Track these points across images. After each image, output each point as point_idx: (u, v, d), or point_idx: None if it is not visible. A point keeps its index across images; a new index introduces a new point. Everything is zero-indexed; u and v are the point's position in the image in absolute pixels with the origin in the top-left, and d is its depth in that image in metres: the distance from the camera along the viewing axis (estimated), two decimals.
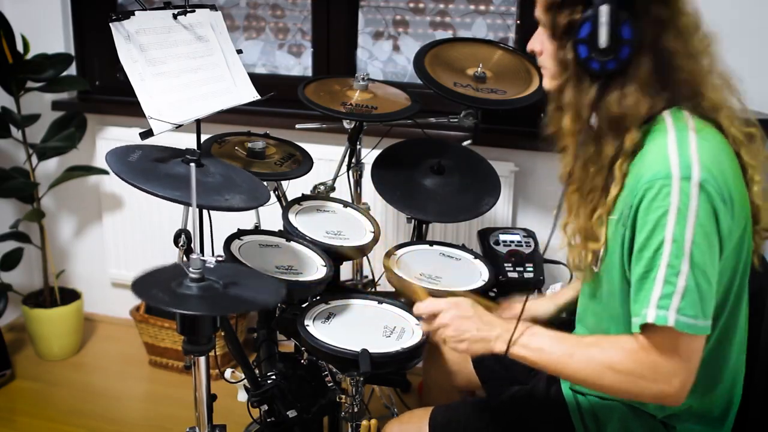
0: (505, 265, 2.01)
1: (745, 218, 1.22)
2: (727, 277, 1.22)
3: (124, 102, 2.81)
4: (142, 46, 1.65)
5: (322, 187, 2.14)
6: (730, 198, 1.16)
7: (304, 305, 1.66)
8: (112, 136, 2.92)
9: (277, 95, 1.93)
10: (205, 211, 1.85)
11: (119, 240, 3.05)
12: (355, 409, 1.62)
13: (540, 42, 1.30)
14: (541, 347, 1.25)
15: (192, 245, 1.61)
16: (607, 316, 1.33)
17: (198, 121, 1.80)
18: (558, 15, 1.22)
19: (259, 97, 1.92)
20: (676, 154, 1.15)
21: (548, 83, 1.32)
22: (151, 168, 1.47)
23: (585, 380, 1.23)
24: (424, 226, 2.19)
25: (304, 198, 2.00)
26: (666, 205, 1.12)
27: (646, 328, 1.15)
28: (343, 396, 1.63)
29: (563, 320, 1.63)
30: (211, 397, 1.51)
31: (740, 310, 1.29)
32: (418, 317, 1.43)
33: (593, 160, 1.26)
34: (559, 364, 1.24)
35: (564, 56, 1.23)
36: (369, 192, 2.24)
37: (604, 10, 1.15)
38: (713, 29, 1.26)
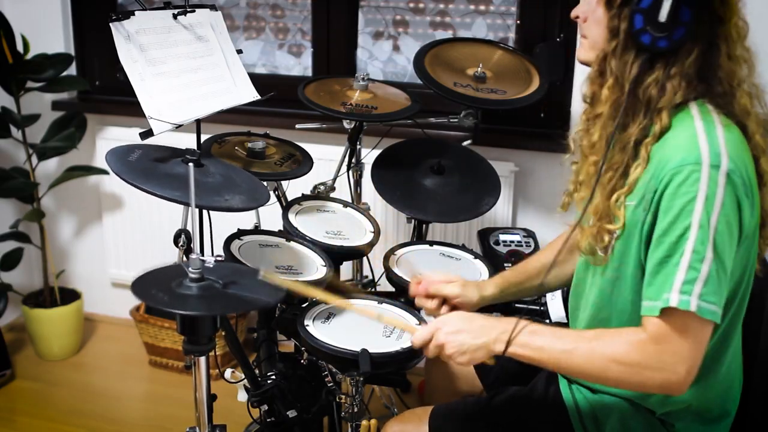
0: (505, 265, 2.02)
1: (757, 220, 1.23)
2: (737, 275, 1.23)
3: (124, 102, 2.81)
4: (142, 46, 1.65)
5: (322, 187, 2.14)
6: (752, 193, 1.17)
7: (304, 305, 1.66)
8: (112, 136, 2.92)
9: (277, 95, 1.93)
10: (204, 211, 1.85)
11: (119, 240, 3.05)
12: (355, 409, 1.62)
13: (586, 10, 1.30)
14: (541, 345, 1.25)
15: (192, 245, 1.61)
16: (609, 305, 1.33)
17: (198, 121, 1.80)
18: None
19: (259, 97, 1.92)
20: (706, 142, 1.16)
21: (584, 53, 1.32)
22: (150, 168, 1.47)
23: (589, 375, 1.23)
24: (424, 226, 2.19)
25: (304, 198, 2.00)
26: (694, 191, 1.13)
27: (663, 313, 1.15)
28: (343, 396, 1.63)
29: (507, 303, 1.63)
30: (211, 397, 1.51)
31: (743, 311, 1.30)
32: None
33: (617, 137, 1.25)
34: (561, 360, 1.23)
35: (616, 24, 1.22)
36: (369, 192, 2.24)
37: None
38: (755, 46, 1.27)
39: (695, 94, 1.23)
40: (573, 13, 1.34)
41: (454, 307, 1.58)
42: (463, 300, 1.58)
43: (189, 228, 1.68)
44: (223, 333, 1.70)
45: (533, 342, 1.26)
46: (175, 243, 1.64)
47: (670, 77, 1.20)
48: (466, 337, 1.30)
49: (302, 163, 2.06)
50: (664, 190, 1.16)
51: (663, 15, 1.16)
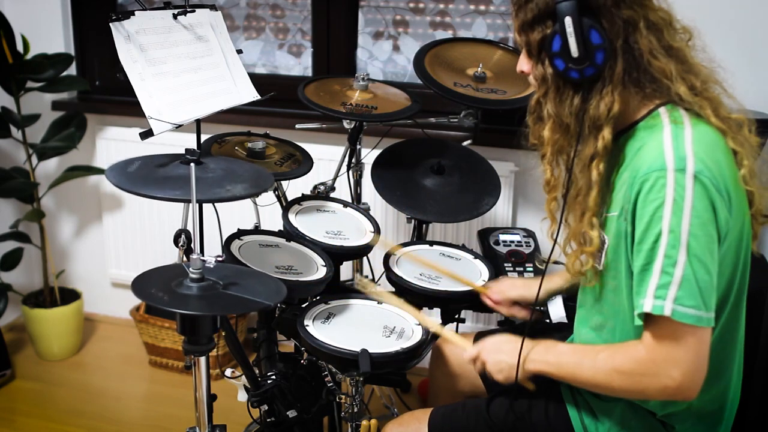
0: (505, 265, 2.01)
1: (743, 214, 1.23)
2: (728, 273, 1.23)
3: (124, 102, 2.82)
4: (142, 46, 1.65)
5: (322, 187, 2.14)
6: (726, 190, 1.17)
7: (304, 305, 1.66)
8: (112, 136, 2.92)
9: (277, 95, 1.93)
10: (210, 211, 1.85)
11: (119, 240, 3.05)
12: (355, 409, 1.62)
13: (524, 63, 1.33)
14: (558, 361, 1.31)
15: (192, 245, 1.61)
16: (612, 314, 1.34)
17: (198, 121, 1.80)
18: (530, 34, 1.26)
19: (259, 97, 1.92)
20: (671, 147, 1.17)
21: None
22: (150, 173, 1.46)
23: (597, 386, 1.27)
24: (424, 226, 2.19)
25: (304, 198, 2.00)
26: (662, 196, 1.14)
27: (647, 320, 1.18)
28: (343, 396, 1.63)
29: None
30: (211, 397, 1.51)
31: (741, 308, 1.30)
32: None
33: (576, 163, 1.28)
34: (573, 374, 1.29)
35: (542, 71, 1.26)
36: (369, 192, 2.24)
37: (568, 21, 1.18)
38: (691, 24, 1.29)
39: (659, 100, 1.25)
40: (517, 69, 1.37)
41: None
42: (526, 299, 1.70)
43: (189, 228, 1.68)
44: (223, 333, 1.70)
45: (551, 358, 1.33)
46: (175, 243, 1.64)
47: (602, 96, 1.22)
48: (504, 357, 1.39)
49: (302, 163, 2.06)
50: (636, 198, 1.18)
51: (574, 50, 1.19)
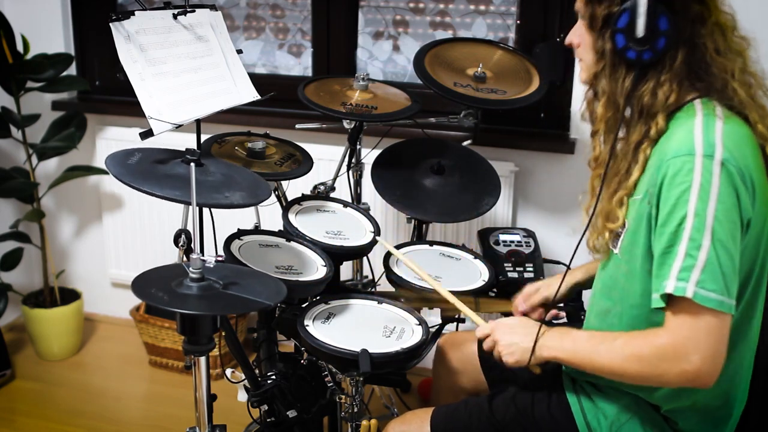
0: (505, 265, 2.02)
1: (765, 212, 1.24)
2: (745, 268, 1.23)
3: (124, 102, 2.82)
4: (142, 46, 1.65)
5: (322, 187, 2.14)
6: (751, 182, 1.19)
7: (304, 305, 1.67)
8: (112, 136, 2.92)
9: (277, 95, 1.93)
10: (206, 212, 1.85)
11: (119, 240, 3.05)
12: (355, 409, 1.62)
13: (578, 35, 1.35)
14: (574, 348, 1.31)
15: (192, 245, 1.61)
16: (620, 299, 1.34)
17: (198, 121, 1.80)
18: (597, 6, 1.28)
19: (259, 97, 1.92)
20: (701, 134, 1.19)
21: (584, 75, 1.37)
22: (150, 169, 1.47)
23: (614, 372, 1.26)
24: (424, 226, 2.19)
25: (304, 198, 2.00)
26: (689, 180, 1.16)
27: (668, 305, 1.18)
28: (343, 396, 1.63)
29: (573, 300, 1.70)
30: (211, 397, 1.51)
31: (756, 308, 1.30)
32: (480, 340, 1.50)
33: (622, 145, 1.32)
34: (589, 360, 1.28)
35: (601, 46, 1.28)
36: (369, 192, 2.24)
37: (642, 1, 1.21)
38: (750, 34, 1.31)
39: (698, 93, 1.27)
40: (567, 41, 1.40)
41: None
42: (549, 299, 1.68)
43: (189, 228, 1.68)
44: (223, 333, 1.70)
45: (566, 345, 1.32)
46: (175, 243, 1.64)
47: (660, 84, 1.25)
48: (516, 339, 1.39)
49: (302, 163, 2.06)
50: (662, 181, 1.20)
51: (640, 30, 1.21)
